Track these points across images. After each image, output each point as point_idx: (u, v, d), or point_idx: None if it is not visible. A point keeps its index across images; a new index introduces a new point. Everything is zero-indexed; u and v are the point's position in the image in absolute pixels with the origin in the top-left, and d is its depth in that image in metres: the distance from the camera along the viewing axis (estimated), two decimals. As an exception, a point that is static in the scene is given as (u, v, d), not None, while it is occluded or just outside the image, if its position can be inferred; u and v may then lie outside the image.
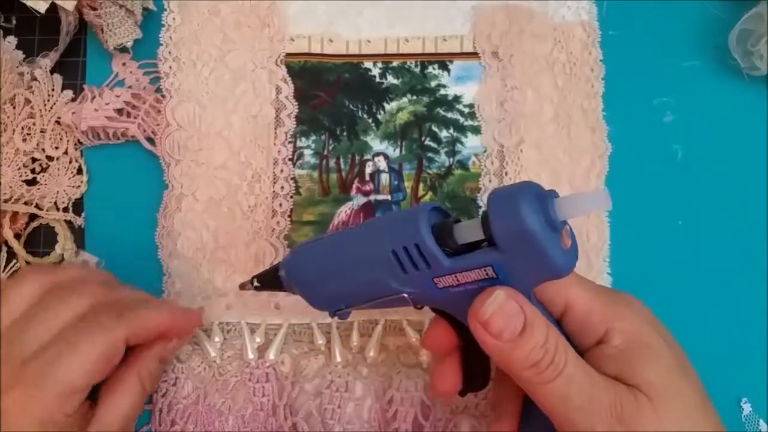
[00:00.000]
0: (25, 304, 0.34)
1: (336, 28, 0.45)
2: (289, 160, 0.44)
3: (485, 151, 0.44)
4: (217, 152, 0.43)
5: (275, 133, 0.44)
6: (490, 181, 0.43)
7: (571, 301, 0.31)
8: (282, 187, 0.43)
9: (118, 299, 0.36)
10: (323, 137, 0.44)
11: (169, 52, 0.44)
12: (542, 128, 0.44)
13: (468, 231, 0.29)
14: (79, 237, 0.44)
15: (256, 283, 0.36)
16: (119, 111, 0.43)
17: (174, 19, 0.44)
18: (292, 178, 0.43)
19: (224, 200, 0.42)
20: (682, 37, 0.46)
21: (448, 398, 0.40)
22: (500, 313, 0.28)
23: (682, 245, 0.43)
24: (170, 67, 0.44)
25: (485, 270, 0.28)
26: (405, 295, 0.31)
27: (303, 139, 0.44)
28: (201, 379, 0.41)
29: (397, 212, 0.32)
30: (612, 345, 0.31)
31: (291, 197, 0.43)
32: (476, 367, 0.33)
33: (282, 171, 0.43)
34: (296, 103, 0.44)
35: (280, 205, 0.43)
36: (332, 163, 0.44)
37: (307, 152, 0.44)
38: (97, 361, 0.33)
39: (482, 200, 0.43)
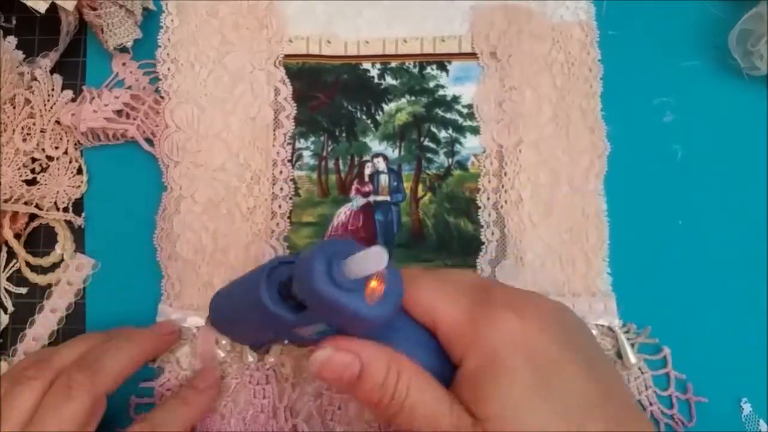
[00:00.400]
0: (22, 417, 0.34)
1: (334, 29, 0.45)
2: (288, 161, 0.44)
3: (484, 152, 0.44)
4: (215, 154, 0.43)
5: (274, 134, 0.44)
6: (489, 181, 0.43)
7: (438, 320, 0.30)
8: (281, 189, 0.43)
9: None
10: (322, 138, 0.44)
11: (168, 54, 0.44)
12: (541, 128, 0.43)
13: (296, 289, 0.30)
14: (79, 237, 0.44)
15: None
16: (118, 112, 0.43)
17: (172, 20, 0.44)
18: (291, 180, 0.43)
19: (223, 202, 0.42)
20: (682, 37, 0.46)
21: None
22: (329, 366, 0.30)
23: (682, 245, 0.43)
24: (168, 69, 0.43)
25: (316, 326, 0.30)
26: (292, 334, 0.32)
27: (302, 140, 0.44)
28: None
29: (254, 270, 0.34)
30: (465, 369, 0.29)
31: (290, 199, 0.43)
32: None
33: (281, 172, 0.43)
34: (295, 105, 0.44)
35: (280, 206, 0.43)
36: (331, 164, 0.44)
37: (306, 153, 0.44)
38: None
39: (481, 201, 0.43)
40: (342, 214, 0.44)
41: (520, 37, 0.44)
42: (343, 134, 0.44)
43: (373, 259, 0.26)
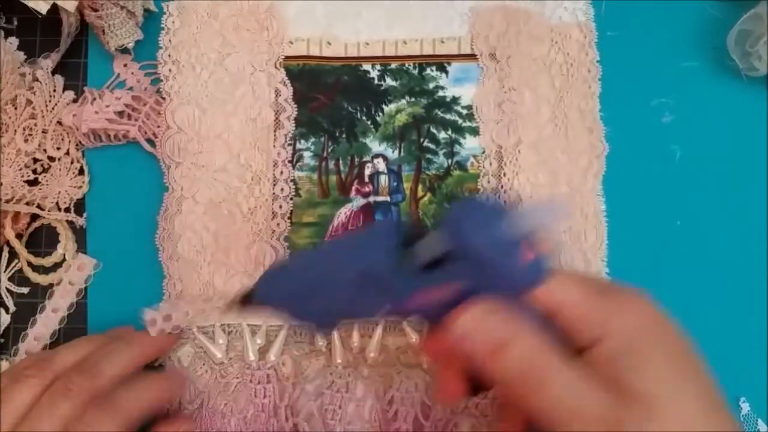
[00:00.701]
0: (19, 413, 0.34)
1: (334, 31, 0.45)
2: (289, 162, 0.44)
3: (483, 152, 0.44)
4: (216, 155, 0.43)
5: (275, 135, 0.44)
6: (488, 182, 0.44)
7: (560, 304, 0.29)
8: (282, 189, 0.43)
9: (109, 395, 0.36)
10: (322, 139, 0.44)
11: (169, 55, 0.44)
12: (540, 129, 0.44)
13: (428, 248, 0.28)
14: (81, 237, 0.44)
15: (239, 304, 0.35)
16: (119, 113, 0.43)
17: (173, 22, 0.44)
18: (291, 180, 0.44)
19: (224, 202, 0.43)
20: (681, 38, 0.46)
21: (455, 402, 0.40)
22: (475, 330, 0.28)
23: (681, 245, 0.43)
24: (170, 70, 0.44)
25: (452, 285, 0.28)
26: (381, 311, 0.30)
27: (302, 141, 0.44)
28: (204, 382, 0.41)
29: (362, 232, 0.32)
30: (604, 349, 0.28)
31: (291, 199, 0.43)
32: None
33: (282, 173, 0.44)
34: (295, 106, 0.44)
35: (280, 207, 0.43)
36: (331, 164, 0.44)
37: (307, 154, 0.44)
38: None
39: (481, 201, 0.43)
40: (342, 214, 0.44)
41: (519, 38, 0.44)
42: (344, 135, 0.45)
43: (548, 211, 0.26)
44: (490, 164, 0.44)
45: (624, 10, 0.46)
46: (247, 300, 0.34)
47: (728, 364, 0.40)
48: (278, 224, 0.43)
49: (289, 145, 0.44)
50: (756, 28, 0.43)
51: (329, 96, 0.45)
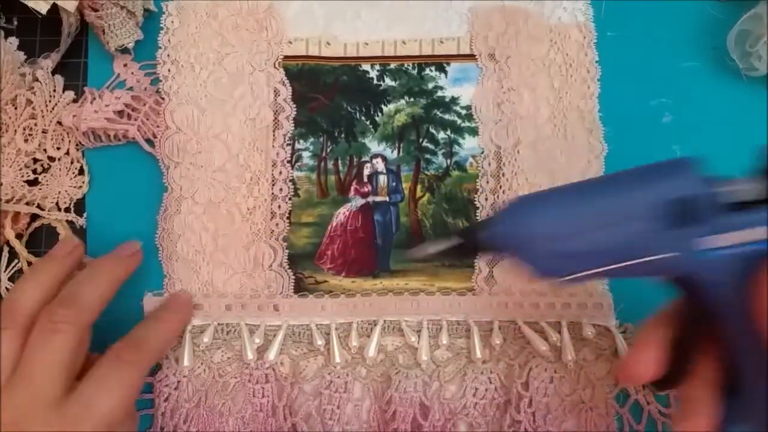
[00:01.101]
0: (8, 363, 0.34)
1: (333, 31, 0.45)
2: (288, 162, 0.44)
3: (482, 153, 0.44)
4: (215, 155, 0.43)
5: (273, 135, 0.44)
6: (487, 182, 0.44)
7: None
8: (281, 189, 0.43)
9: (135, 337, 0.37)
10: (321, 139, 0.44)
11: (168, 55, 0.44)
12: (539, 129, 0.44)
13: (745, 188, 0.26)
14: (81, 237, 0.44)
15: (454, 242, 0.31)
16: (119, 113, 0.43)
17: (172, 22, 0.44)
18: (290, 180, 0.44)
19: (223, 202, 0.43)
20: (681, 38, 0.46)
21: (634, 384, 0.39)
22: None
23: None
24: (169, 70, 0.44)
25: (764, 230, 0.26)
26: (656, 258, 0.27)
27: (301, 141, 0.44)
28: (202, 381, 0.41)
29: (652, 165, 0.29)
30: None
31: (289, 199, 0.43)
32: (685, 358, 0.31)
33: (280, 173, 0.44)
34: (294, 106, 0.44)
35: (279, 207, 0.43)
36: (330, 164, 0.44)
37: (306, 154, 0.44)
38: (129, 395, 0.35)
39: (479, 201, 0.43)
40: (341, 214, 0.44)
41: (518, 38, 0.44)
42: (342, 135, 0.45)
43: None
44: (489, 164, 0.44)
45: (624, 10, 0.46)
46: (470, 239, 0.30)
47: None
48: (277, 224, 0.43)
49: (288, 145, 0.44)
50: (756, 28, 0.43)
51: (328, 96, 0.45)
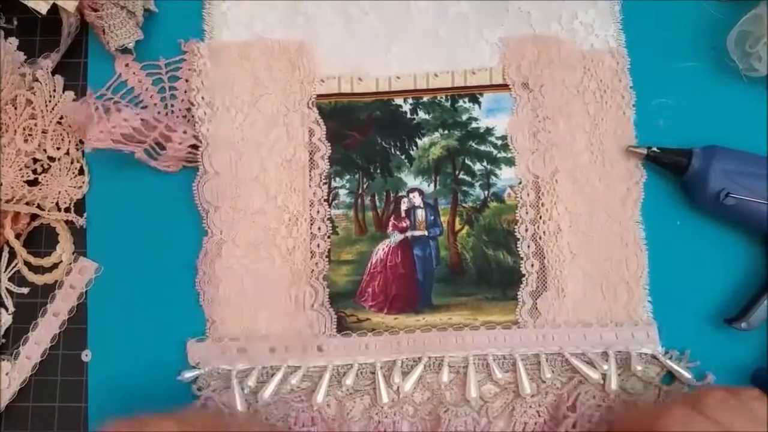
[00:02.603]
0: None
1: (365, 66, 0.45)
2: (325, 200, 0.44)
3: (520, 183, 0.44)
4: (254, 197, 0.43)
5: (310, 175, 0.44)
6: (526, 212, 0.43)
7: None
8: (319, 228, 0.43)
9: None
10: (357, 176, 0.44)
11: (202, 98, 0.44)
12: (576, 157, 0.44)
13: None
14: (81, 237, 0.44)
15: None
16: (126, 135, 0.42)
17: (205, 63, 0.45)
18: (328, 219, 0.44)
19: (263, 244, 0.43)
20: (681, 38, 0.45)
21: None
22: None
23: (685, 246, 0.43)
24: (204, 113, 0.44)
25: None
26: None
27: (337, 179, 0.44)
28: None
29: None
30: None
31: (328, 237, 0.43)
32: None
33: (318, 212, 0.43)
34: (329, 145, 0.44)
35: (318, 246, 0.43)
36: (367, 201, 0.44)
37: (342, 192, 0.44)
38: None
39: (519, 232, 0.43)
40: (380, 250, 0.44)
41: (551, 66, 0.44)
42: (378, 171, 0.44)
43: None
44: (528, 195, 0.43)
45: (624, 10, 0.46)
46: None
47: (727, 363, 0.40)
48: (317, 263, 0.43)
49: (325, 183, 0.44)
50: (756, 29, 0.42)
51: (362, 132, 0.45)
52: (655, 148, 0.42)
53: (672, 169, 0.42)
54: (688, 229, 0.43)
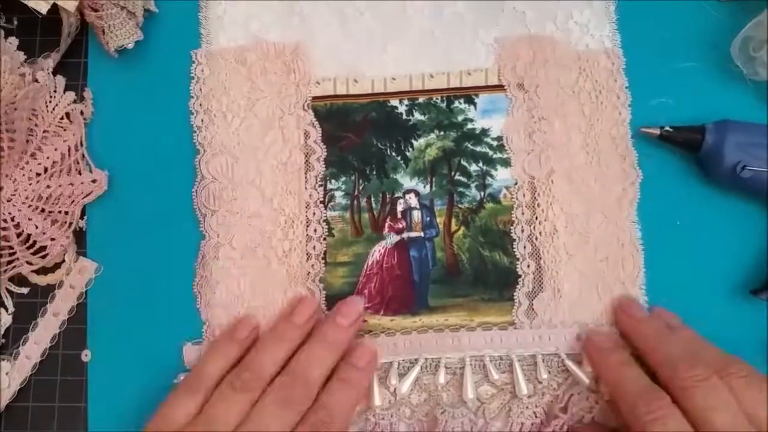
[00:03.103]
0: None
1: (360, 67, 0.45)
2: (321, 202, 0.44)
3: (516, 184, 0.44)
4: (250, 201, 0.43)
5: (305, 177, 0.44)
6: (522, 213, 0.43)
7: None
8: (315, 230, 0.43)
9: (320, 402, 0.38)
10: (353, 178, 0.44)
11: (200, 105, 0.44)
12: (572, 157, 0.44)
13: None
14: (81, 239, 0.44)
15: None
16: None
17: (202, 70, 0.45)
18: (324, 221, 0.44)
19: (259, 247, 0.43)
20: (681, 38, 0.45)
21: None
22: None
23: (682, 246, 0.43)
24: (202, 121, 0.44)
25: None
26: None
27: (333, 181, 0.44)
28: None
29: None
30: None
31: (324, 239, 0.43)
32: None
33: (314, 214, 0.44)
34: (325, 147, 0.44)
35: (314, 247, 0.43)
36: (363, 202, 0.44)
37: (338, 194, 0.44)
38: None
39: (516, 233, 0.43)
40: (376, 252, 0.44)
41: (546, 66, 0.44)
42: (374, 172, 0.44)
43: None
44: (524, 195, 0.43)
45: (624, 10, 0.45)
46: None
47: None
48: (313, 265, 0.43)
49: (320, 185, 0.44)
50: (759, 34, 0.42)
51: (358, 134, 0.45)
52: (667, 128, 0.42)
53: (686, 146, 0.42)
54: (685, 230, 0.43)
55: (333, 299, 0.43)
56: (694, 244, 0.43)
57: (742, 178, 0.40)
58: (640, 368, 0.38)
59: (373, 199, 0.44)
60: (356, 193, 0.44)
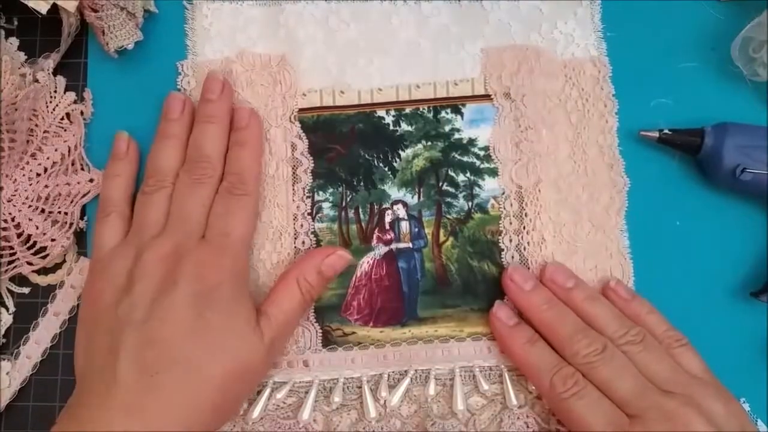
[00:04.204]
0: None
1: (346, 78, 0.45)
2: (308, 214, 0.44)
3: (503, 193, 0.44)
4: (238, 214, 0.43)
5: (293, 189, 0.44)
6: (510, 223, 0.43)
7: None
8: (303, 242, 0.43)
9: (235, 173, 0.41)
10: (340, 189, 0.44)
11: (188, 116, 0.44)
12: (559, 166, 0.44)
13: None
14: (82, 239, 0.44)
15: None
16: None
17: (189, 82, 0.44)
18: (312, 233, 0.43)
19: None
20: (680, 39, 0.46)
21: None
22: None
23: (681, 248, 0.43)
24: (190, 133, 0.44)
25: None
26: None
27: (320, 192, 0.44)
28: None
29: None
30: None
31: (312, 251, 0.43)
32: None
33: (302, 226, 0.43)
34: (311, 159, 0.44)
35: (302, 260, 0.43)
36: (351, 214, 0.44)
37: (326, 205, 0.44)
38: (254, 222, 0.42)
39: (504, 243, 0.43)
40: (365, 263, 0.44)
41: (532, 76, 0.44)
42: (362, 183, 0.44)
43: None
44: (511, 205, 0.43)
45: (624, 10, 0.46)
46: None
47: (728, 363, 0.39)
48: (301, 277, 0.43)
49: (308, 197, 0.44)
50: (759, 35, 0.42)
51: (345, 145, 0.45)
52: (666, 130, 0.42)
53: (685, 149, 0.42)
54: (685, 232, 0.43)
55: (322, 311, 0.43)
56: (694, 246, 0.43)
57: (741, 181, 0.40)
58: (544, 342, 0.39)
59: (361, 210, 0.44)
60: (344, 204, 0.44)
